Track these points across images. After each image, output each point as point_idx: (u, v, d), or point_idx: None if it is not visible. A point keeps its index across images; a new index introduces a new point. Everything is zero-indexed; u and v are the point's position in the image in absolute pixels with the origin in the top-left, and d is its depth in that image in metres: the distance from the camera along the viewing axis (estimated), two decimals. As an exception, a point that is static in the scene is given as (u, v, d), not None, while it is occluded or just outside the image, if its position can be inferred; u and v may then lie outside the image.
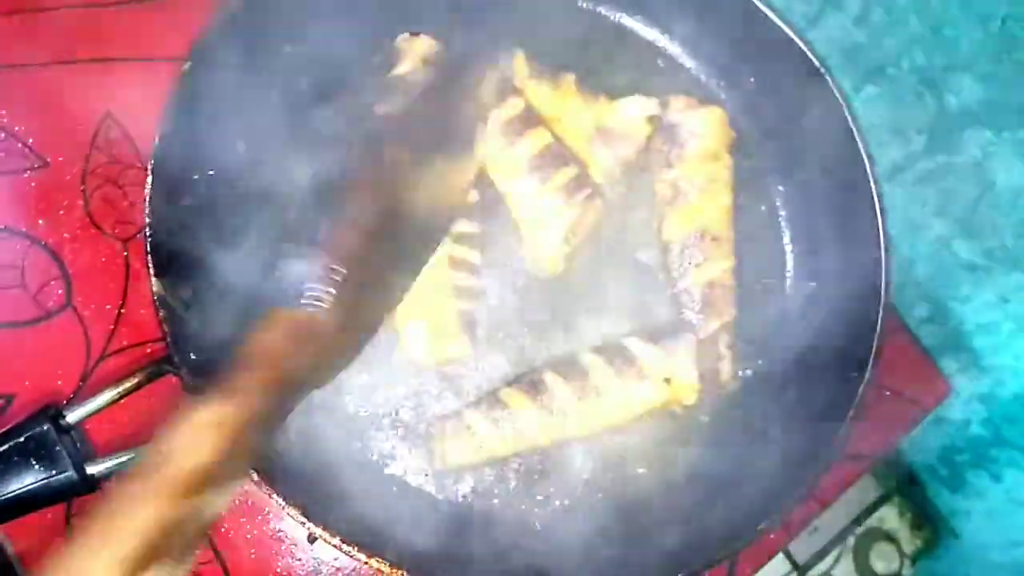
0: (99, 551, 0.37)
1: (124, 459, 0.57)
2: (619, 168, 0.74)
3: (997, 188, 0.70)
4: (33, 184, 0.74)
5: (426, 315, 0.67)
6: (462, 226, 0.70)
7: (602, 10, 0.80)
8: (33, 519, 0.61)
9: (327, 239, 0.45)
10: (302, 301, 0.44)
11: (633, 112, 0.73)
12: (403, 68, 0.71)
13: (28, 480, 0.56)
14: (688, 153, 0.73)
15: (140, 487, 0.39)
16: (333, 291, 0.43)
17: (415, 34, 0.72)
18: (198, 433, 0.40)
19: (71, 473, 0.56)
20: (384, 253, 0.49)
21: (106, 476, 0.59)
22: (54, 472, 0.56)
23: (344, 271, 0.44)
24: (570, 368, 0.69)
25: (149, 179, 0.62)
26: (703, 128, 0.73)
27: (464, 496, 0.70)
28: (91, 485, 0.58)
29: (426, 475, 0.70)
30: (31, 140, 0.74)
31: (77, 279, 0.72)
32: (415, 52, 0.71)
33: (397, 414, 0.70)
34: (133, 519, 0.37)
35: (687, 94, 0.77)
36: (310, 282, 0.44)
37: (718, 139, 0.74)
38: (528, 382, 0.69)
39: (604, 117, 0.74)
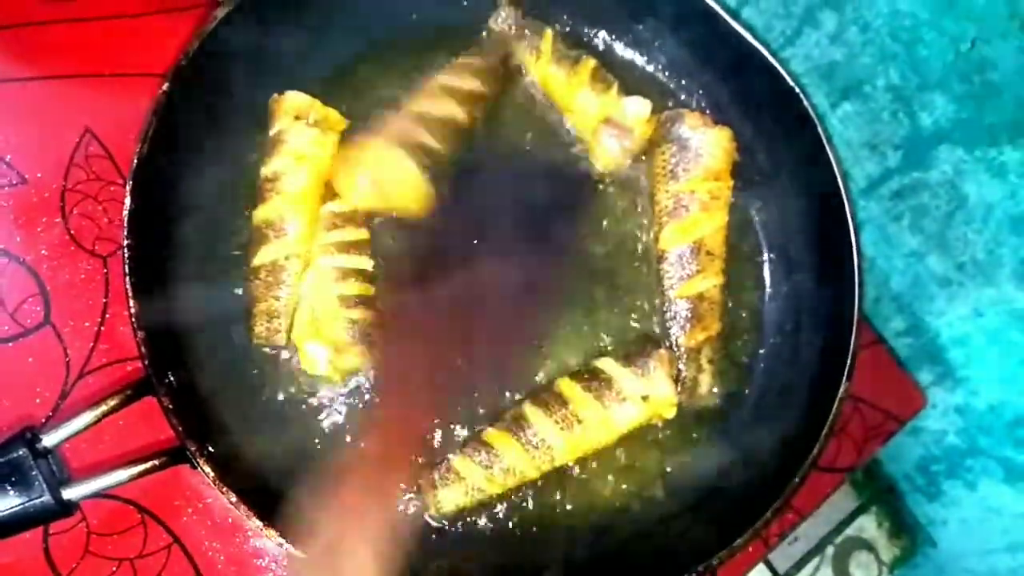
0: None
1: (102, 483, 0.56)
2: (623, 158, 0.76)
3: (969, 204, 0.72)
4: (11, 200, 0.73)
5: (321, 335, 0.67)
6: (349, 235, 0.69)
7: (584, 28, 0.81)
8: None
9: None
10: None
11: (633, 110, 0.75)
12: (276, 127, 0.70)
13: (3, 506, 0.55)
14: (696, 168, 0.74)
15: None
16: None
17: (281, 93, 0.71)
18: None
19: (47, 499, 0.56)
20: None
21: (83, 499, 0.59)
22: (30, 498, 0.55)
23: None
24: (549, 397, 0.69)
25: (128, 197, 0.62)
26: (713, 147, 0.74)
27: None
28: (68, 510, 0.58)
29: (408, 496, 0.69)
30: (9, 156, 0.74)
31: (56, 296, 0.71)
32: (285, 110, 0.70)
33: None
34: None
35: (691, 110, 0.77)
36: None
37: (726, 159, 0.75)
38: (510, 419, 0.69)
39: (610, 109, 0.75)
